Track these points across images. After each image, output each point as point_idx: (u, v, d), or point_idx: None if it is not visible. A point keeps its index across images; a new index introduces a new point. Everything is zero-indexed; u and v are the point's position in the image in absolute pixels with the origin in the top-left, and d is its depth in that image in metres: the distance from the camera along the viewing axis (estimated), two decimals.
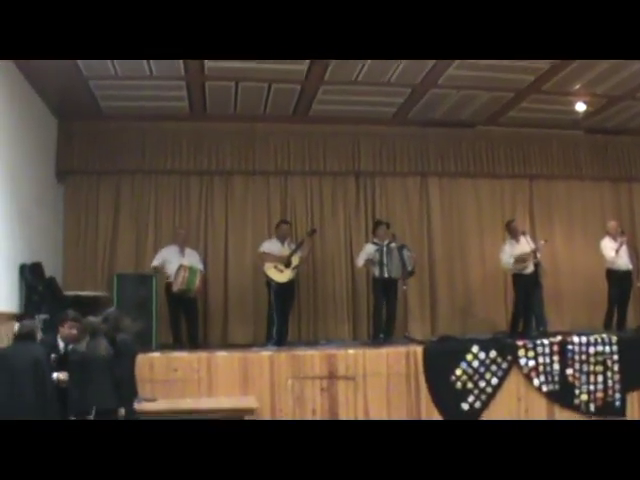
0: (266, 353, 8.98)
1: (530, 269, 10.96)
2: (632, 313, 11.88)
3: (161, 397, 8.06)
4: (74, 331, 7.03)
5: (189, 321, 10.48)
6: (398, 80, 10.32)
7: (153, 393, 8.09)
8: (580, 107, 11.20)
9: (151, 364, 8.43)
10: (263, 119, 11.82)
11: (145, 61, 9.11)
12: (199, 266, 10.60)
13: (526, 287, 10.96)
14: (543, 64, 9.85)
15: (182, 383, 8.45)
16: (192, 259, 10.62)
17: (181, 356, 8.84)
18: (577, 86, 10.66)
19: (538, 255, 11.00)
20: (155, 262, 10.61)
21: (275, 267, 10.42)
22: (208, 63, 9.37)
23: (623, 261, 11.13)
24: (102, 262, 11.48)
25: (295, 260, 10.60)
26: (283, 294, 10.47)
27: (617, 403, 9.40)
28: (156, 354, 8.86)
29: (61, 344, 7.15)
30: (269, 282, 10.44)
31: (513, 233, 11.23)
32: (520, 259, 10.86)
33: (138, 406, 7.25)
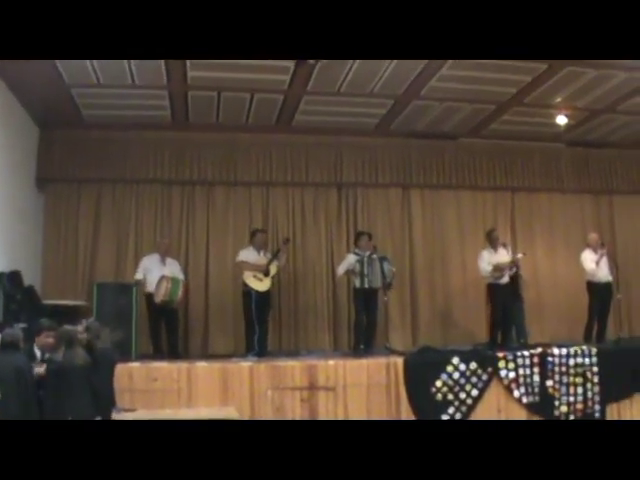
0: (246, 363, 8.95)
1: (505, 280, 10.98)
2: (612, 325, 11.91)
3: (140, 407, 7.99)
4: (50, 340, 6.97)
5: (169, 331, 10.44)
6: (381, 91, 10.34)
7: (132, 403, 8.03)
8: (561, 120, 11.26)
9: (130, 374, 8.37)
10: (245, 129, 11.80)
11: (128, 69, 9.10)
12: (180, 276, 10.56)
13: (502, 297, 10.96)
14: (525, 77, 9.92)
15: (162, 393, 8.40)
16: (173, 269, 10.59)
17: (161, 366, 8.78)
18: (558, 99, 10.74)
19: (514, 267, 11.05)
20: (138, 275, 10.55)
21: (254, 276, 10.37)
22: (191, 72, 9.36)
23: (603, 273, 11.17)
24: (82, 271, 11.42)
25: (273, 269, 10.57)
26: (263, 303, 10.43)
27: (597, 415, 9.43)
28: (136, 364, 8.79)
29: (38, 353, 7.11)
30: (248, 291, 10.36)
31: (493, 242, 11.25)
32: (497, 268, 10.89)
33: (117, 416, 7.20)
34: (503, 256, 11.08)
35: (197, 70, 9.27)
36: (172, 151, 11.70)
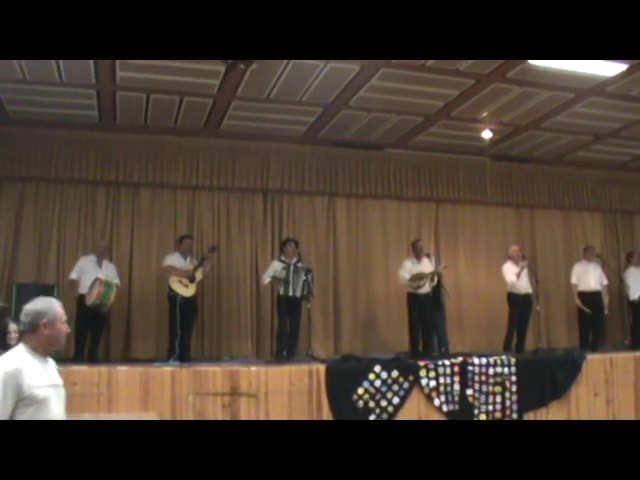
0: (168, 368, 8.87)
1: (425, 290, 11.13)
2: (531, 336, 12.18)
3: None
4: None
5: (94, 335, 10.27)
6: (310, 99, 10.38)
7: None
8: (486, 134, 11.48)
9: None
10: (173, 132, 11.68)
11: (55, 67, 8.93)
12: (115, 280, 10.38)
13: (421, 307, 11.11)
14: (452, 91, 10.09)
15: (81, 398, 8.23)
16: (109, 272, 10.43)
17: (81, 370, 8.63)
18: (484, 114, 10.95)
19: (435, 279, 11.20)
20: (72, 275, 10.39)
21: (180, 281, 10.32)
22: (120, 73, 9.23)
23: (523, 285, 11.44)
24: (2, 271, 11.09)
25: (199, 275, 10.53)
26: (187, 309, 10.37)
27: None
28: None
29: None
30: (173, 296, 10.31)
31: (417, 253, 11.42)
32: (416, 277, 11.04)
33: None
34: (426, 267, 11.24)
35: (126, 71, 9.15)
36: (98, 151, 11.47)
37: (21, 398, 3.99)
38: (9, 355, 4.18)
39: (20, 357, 4.14)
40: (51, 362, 4.38)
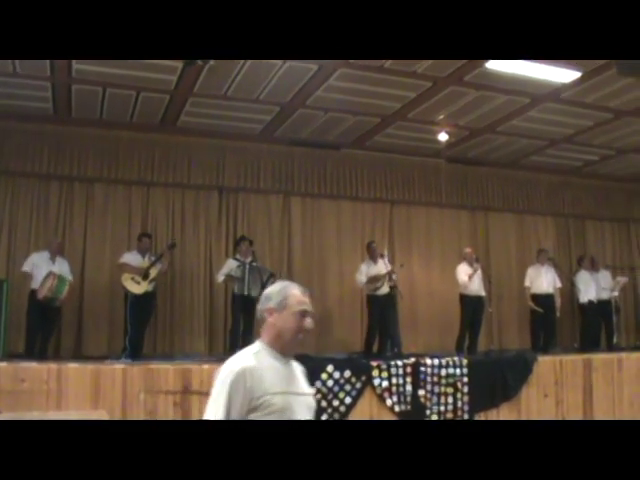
0: (119, 366, 8.76)
1: (384, 291, 11.20)
2: (483, 337, 12.30)
3: (6, 409, 7.72)
4: None
5: (45, 330, 10.13)
6: (267, 98, 10.37)
7: None
8: (442, 137, 11.54)
9: None
10: (129, 127, 11.58)
11: None
12: (69, 276, 10.28)
13: (380, 308, 11.21)
14: (410, 93, 10.15)
15: (29, 395, 8.10)
16: (62, 268, 10.30)
17: (29, 366, 8.48)
18: (441, 116, 11.01)
19: (394, 277, 11.25)
20: (25, 267, 10.23)
21: (132, 278, 10.24)
22: (76, 65, 9.12)
23: (475, 287, 11.53)
24: None
25: (153, 272, 10.44)
26: (138, 306, 10.28)
27: None
28: (2, 364, 8.49)
29: None
30: (125, 293, 10.27)
31: (372, 254, 11.47)
32: (372, 279, 11.12)
33: None
34: (381, 267, 11.29)
35: (83, 63, 9.03)
36: (52, 145, 11.29)
37: (253, 405, 3.24)
38: (242, 353, 3.46)
39: (253, 355, 3.40)
40: (296, 365, 3.61)
